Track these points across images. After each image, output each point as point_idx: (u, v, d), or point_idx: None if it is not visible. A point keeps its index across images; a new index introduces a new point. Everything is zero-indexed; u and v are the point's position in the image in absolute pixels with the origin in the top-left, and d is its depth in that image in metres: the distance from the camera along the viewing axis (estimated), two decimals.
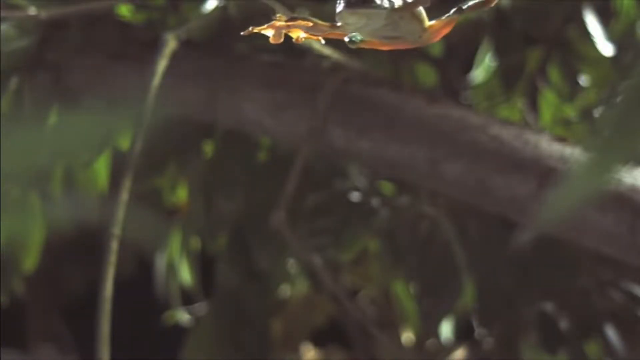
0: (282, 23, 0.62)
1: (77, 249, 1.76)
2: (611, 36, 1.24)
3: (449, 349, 1.45)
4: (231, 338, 1.38)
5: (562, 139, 1.12)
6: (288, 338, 1.58)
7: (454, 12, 0.62)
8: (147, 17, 1.28)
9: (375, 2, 0.60)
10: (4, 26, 1.16)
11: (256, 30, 0.62)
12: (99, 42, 1.23)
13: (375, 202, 1.32)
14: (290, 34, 0.63)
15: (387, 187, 1.36)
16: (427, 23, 0.62)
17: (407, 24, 0.61)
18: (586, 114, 1.28)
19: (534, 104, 1.33)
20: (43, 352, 1.89)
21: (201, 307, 1.51)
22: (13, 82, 1.20)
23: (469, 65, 1.34)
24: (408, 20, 0.61)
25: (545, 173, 1.09)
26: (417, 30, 0.61)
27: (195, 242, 1.46)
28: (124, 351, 1.15)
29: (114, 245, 0.99)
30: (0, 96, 1.19)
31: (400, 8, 0.60)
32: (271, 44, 1.41)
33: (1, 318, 1.51)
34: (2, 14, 1.12)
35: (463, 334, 1.43)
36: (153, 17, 1.27)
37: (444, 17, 0.62)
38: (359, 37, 0.61)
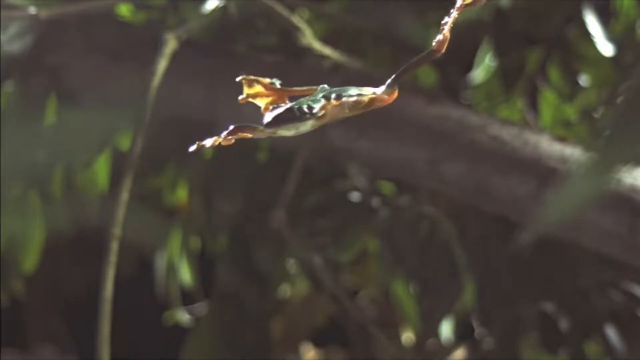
0: (221, 139, 0.62)
1: (77, 249, 1.76)
2: (611, 36, 1.24)
3: (449, 349, 1.45)
4: (231, 338, 1.38)
5: (562, 139, 1.12)
6: (288, 338, 1.58)
7: (392, 81, 0.62)
8: (147, 17, 1.28)
9: (295, 112, 0.61)
10: (4, 26, 1.16)
11: (200, 144, 0.64)
12: (99, 42, 1.23)
13: (375, 202, 1.32)
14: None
15: (387, 187, 1.36)
16: (368, 98, 0.62)
17: (341, 114, 0.63)
18: (586, 114, 1.28)
19: (534, 104, 1.33)
20: (43, 352, 1.89)
21: (201, 307, 1.51)
22: (13, 82, 1.20)
23: (469, 65, 1.34)
24: (341, 113, 0.62)
25: (545, 173, 1.09)
26: (357, 110, 0.62)
27: (195, 242, 1.46)
28: (124, 351, 1.15)
29: (114, 245, 0.99)
30: (0, 96, 1.19)
31: (323, 115, 0.61)
32: (271, 44, 1.41)
33: (1, 318, 1.51)
34: (2, 14, 1.12)
35: (463, 334, 1.43)
36: (153, 17, 1.27)
37: (387, 86, 0.62)
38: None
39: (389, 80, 0.62)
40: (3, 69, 1.17)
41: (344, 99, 0.60)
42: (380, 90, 0.62)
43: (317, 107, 0.61)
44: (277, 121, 0.61)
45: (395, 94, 0.63)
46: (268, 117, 0.61)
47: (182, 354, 1.39)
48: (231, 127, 0.64)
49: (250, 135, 0.63)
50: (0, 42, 1.15)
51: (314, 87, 0.65)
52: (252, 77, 0.65)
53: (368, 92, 0.62)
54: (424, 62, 0.62)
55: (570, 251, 1.27)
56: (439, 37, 0.62)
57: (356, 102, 0.62)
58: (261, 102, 0.66)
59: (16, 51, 1.16)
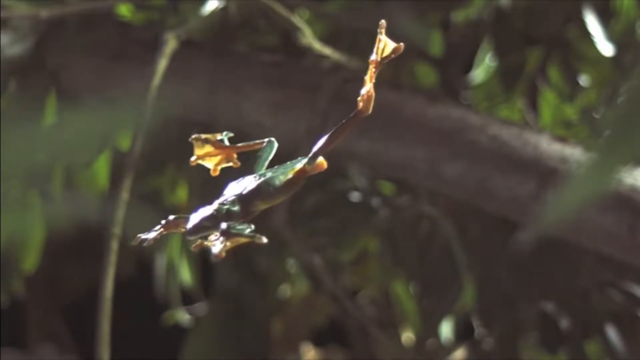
0: (158, 232, 0.63)
1: (77, 249, 1.76)
2: (611, 36, 1.24)
3: (449, 349, 1.45)
4: (231, 338, 1.38)
5: (562, 139, 1.12)
6: (288, 338, 1.58)
7: (316, 152, 0.61)
8: (147, 17, 1.28)
9: (215, 220, 0.60)
10: (5, 27, 1.16)
11: (139, 237, 0.64)
12: (99, 43, 1.23)
13: (375, 202, 1.32)
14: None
15: (387, 187, 1.36)
16: (295, 172, 0.61)
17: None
18: (586, 114, 1.28)
19: (534, 104, 1.33)
20: (43, 352, 1.89)
21: (201, 307, 1.51)
22: (14, 83, 1.20)
23: (469, 65, 1.34)
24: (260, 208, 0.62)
25: (545, 173, 1.09)
26: (288, 192, 0.62)
27: None
28: (124, 351, 1.15)
29: (114, 245, 0.99)
30: (0, 96, 1.19)
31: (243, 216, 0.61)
32: (271, 44, 1.41)
33: (1, 318, 1.51)
34: (2, 14, 1.12)
35: (463, 334, 1.43)
36: (153, 17, 1.27)
37: (310, 158, 0.61)
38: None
39: (312, 152, 0.61)
40: (4, 70, 1.17)
41: (234, 234, 0.59)
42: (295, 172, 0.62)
43: (235, 209, 0.61)
44: (198, 230, 0.60)
45: (324, 164, 0.62)
46: (190, 223, 0.60)
47: (182, 354, 1.39)
48: (170, 218, 0.63)
49: (182, 230, 0.63)
50: (0, 43, 1.15)
51: (261, 141, 0.65)
52: (204, 137, 0.64)
53: (299, 164, 0.62)
54: (353, 124, 0.61)
55: (570, 251, 1.27)
56: (363, 91, 0.60)
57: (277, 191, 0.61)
58: (210, 163, 0.65)
59: (17, 52, 1.16)
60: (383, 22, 0.60)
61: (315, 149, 0.61)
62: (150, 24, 1.27)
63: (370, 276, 1.49)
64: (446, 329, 1.42)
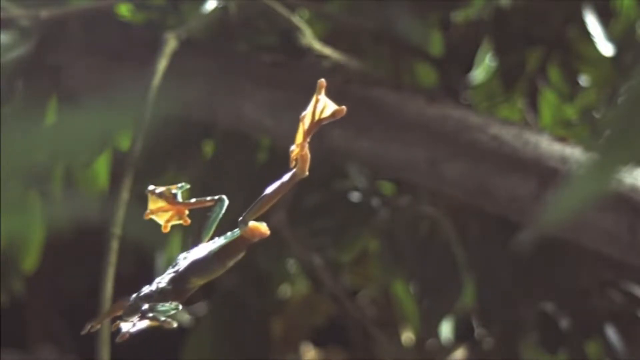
0: (104, 318, 0.63)
1: (77, 249, 1.76)
2: (611, 36, 1.24)
3: (449, 349, 1.45)
4: (231, 338, 1.38)
5: (562, 139, 1.12)
6: (288, 338, 1.58)
7: (240, 224, 0.60)
8: (147, 17, 1.28)
9: (147, 296, 0.60)
10: (5, 29, 1.16)
11: (92, 325, 0.63)
12: (99, 42, 1.23)
13: (375, 202, 1.32)
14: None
15: (387, 187, 1.36)
16: (224, 250, 0.61)
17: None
18: (586, 114, 1.28)
19: (534, 104, 1.33)
20: (43, 352, 1.89)
21: (201, 307, 1.51)
22: (14, 83, 1.20)
23: (469, 65, 1.34)
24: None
25: (545, 173, 1.09)
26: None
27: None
28: (124, 351, 1.15)
29: (114, 245, 0.99)
30: (0, 97, 1.19)
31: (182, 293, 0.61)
32: (271, 44, 1.41)
33: (1, 318, 1.50)
34: (2, 15, 1.12)
35: (463, 334, 1.43)
36: (153, 17, 1.27)
37: (241, 222, 0.60)
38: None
39: (243, 216, 0.61)
40: (5, 71, 1.17)
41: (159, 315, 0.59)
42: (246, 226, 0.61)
43: (169, 288, 0.61)
44: (133, 311, 0.60)
45: (264, 230, 0.62)
46: (128, 304, 0.60)
47: (182, 354, 1.39)
48: (123, 300, 0.62)
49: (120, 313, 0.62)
50: (1, 44, 1.15)
51: (212, 199, 0.64)
52: (159, 191, 0.64)
53: (236, 231, 0.61)
54: (288, 187, 0.60)
55: (570, 251, 1.27)
56: (297, 150, 0.59)
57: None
58: (162, 219, 0.65)
59: (17, 52, 1.16)
60: (322, 81, 0.57)
61: (246, 213, 0.60)
62: (150, 24, 1.27)
63: (370, 276, 1.49)
64: (446, 329, 1.42)
